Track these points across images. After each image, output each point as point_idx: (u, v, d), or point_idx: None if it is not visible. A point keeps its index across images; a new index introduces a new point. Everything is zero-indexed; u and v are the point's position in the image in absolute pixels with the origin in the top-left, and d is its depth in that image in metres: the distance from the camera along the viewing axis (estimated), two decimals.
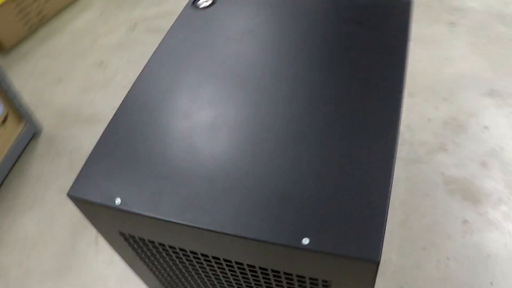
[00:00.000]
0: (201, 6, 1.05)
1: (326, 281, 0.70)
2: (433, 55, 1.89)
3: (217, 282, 0.87)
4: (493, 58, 1.85)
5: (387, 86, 0.81)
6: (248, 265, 0.73)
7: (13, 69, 2.05)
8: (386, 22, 0.94)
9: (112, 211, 0.72)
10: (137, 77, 0.90)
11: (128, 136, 0.79)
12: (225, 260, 0.74)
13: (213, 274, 0.83)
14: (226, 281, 0.84)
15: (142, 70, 0.91)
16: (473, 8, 2.13)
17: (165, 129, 0.80)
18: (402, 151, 1.52)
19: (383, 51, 0.88)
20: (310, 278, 0.71)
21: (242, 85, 0.85)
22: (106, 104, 1.81)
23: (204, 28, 0.99)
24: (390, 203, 0.66)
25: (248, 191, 0.69)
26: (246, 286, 0.82)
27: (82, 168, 0.76)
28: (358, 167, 0.70)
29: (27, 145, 1.64)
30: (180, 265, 0.84)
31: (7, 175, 1.55)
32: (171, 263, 0.85)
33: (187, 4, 1.06)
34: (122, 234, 0.79)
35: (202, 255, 0.76)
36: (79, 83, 1.92)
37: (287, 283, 0.75)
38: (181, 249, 0.77)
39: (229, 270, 0.78)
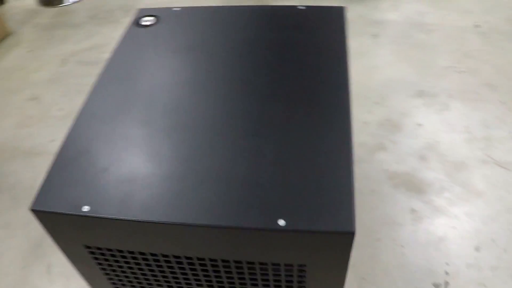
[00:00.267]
0: (144, 24, 1.07)
1: (302, 265, 0.72)
2: (361, 65, 2.00)
3: None
4: (416, 63, 1.99)
5: (333, 78, 0.86)
6: (223, 261, 0.74)
7: None
8: (324, 26, 1.00)
9: (80, 220, 0.71)
10: (90, 92, 0.90)
11: (88, 147, 0.79)
12: (198, 259, 0.75)
13: (184, 280, 0.83)
14: (198, 286, 0.84)
15: (94, 85, 0.92)
16: (393, 20, 2.28)
17: (123, 136, 0.80)
18: None
19: (326, 49, 0.93)
20: (285, 265, 0.72)
21: (194, 91, 0.88)
22: (44, 137, 1.77)
23: (148, 44, 1.01)
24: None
25: (215, 183, 0.71)
26: None
27: (44, 182, 0.75)
28: (319, 151, 0.74)
29: None
30: (149, 275, 0.83)
31: None
32: (139, 274, 0.84)
33: (131, 23, 1.07)
34: (87, 247, 0.78)
35: (175, 257, 0.76)
36: (14, 118, 1.86)
37: (262, 275, 0.76)
38: (152, 255, 0.76)
39: (202, 271, 0.78)
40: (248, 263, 0.74)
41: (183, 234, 0.69)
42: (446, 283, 1.16)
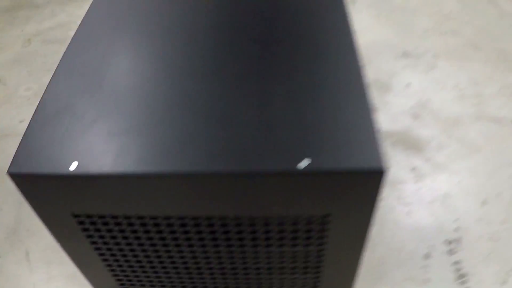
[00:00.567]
0: None
1: (325, 216, 0.64)
2: None
3: (193, 263, 0.78)
4: (397, 26, 1.93)
5: (334, 20, 0.78)
6: (235, 218, 0.65)
7: None
8: None
9: (68, 182, 0.61)
10: (66, 49, 0.79)
11: (70, 101, 0.69)
12: (207, 218, 0.66)
13: (189, 248, 0.74)
14: (204, 256, 0.76)
15: (70, 42, 0.81)
16: None
17: (111, 87, 0.71)
18: None
19: (323, 10, 0.85)
20: (307, 218, 0.65)
21: (189, 36, 0.78)
22: (12, 118, 1.64)
23: None
24: None
25: (223, 127, 0.63)
26: (228, 257, 0.74)
27: (22, 142, 0.65)
28: (331, 88, 0.66)
29: None
30: (147, 246, 0.74)
31: None
32: (136, 245, 0.74)
33: None
34: (76, 216, 0.68)
35: (179, 219, 0.67)
36: None
37: (278, 232, 0.68)
38: (152, 218, 0.67)
39: (210, 233, 0.69)
40: (265, 219, 0.65)
41: (190, 188, 0.60)
42: (458, 239, 1.11)
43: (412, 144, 1.39)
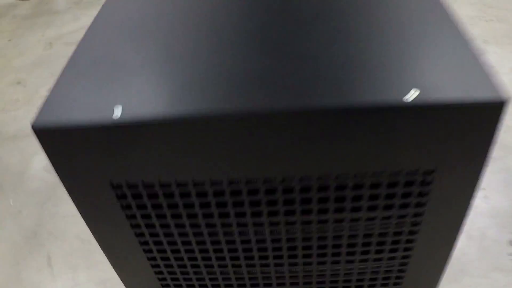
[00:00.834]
0: None
1: (429, 172, 0.49)
2: None
3: (258, 248, 0.62)
4: None
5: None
6: (318, 178, 0.51)
7: None
8: None
9: (109, 135, 0.47)
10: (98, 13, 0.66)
11: (109, 51, 0.56)
12: (282, 180, 0.51)
13: (254, 228, 0.59)
14: (273, 234, 0.61)
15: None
16: None
17: (156, 35, 0.57)
18: None
19: None
20: (407, 175, 0.49)
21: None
22: (31, 119, 1.52)
23: None
24: None
25: (308, 62, 0.48)
26: (301, 230, 0.59)
27: (51, 92, 0.51)
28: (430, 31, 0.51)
29: None
30: (202, 227, 0.59)
31: None
32: (188, 226, 0.59)
33: None
34: (116, 187, 0.53)
35: (248, 183, 0.52)
36: None
37: (370, 197, 0.53)
38: (213, 184, 0.52)
39: (284, 203, 0.54)
40: (355, 181, 0.50)
41: (266, 136, 0.45)
42: None
43: None
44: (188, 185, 0.53)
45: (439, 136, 0.46)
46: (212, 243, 0.61)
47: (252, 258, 0.62)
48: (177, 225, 0.59)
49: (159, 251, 0.64)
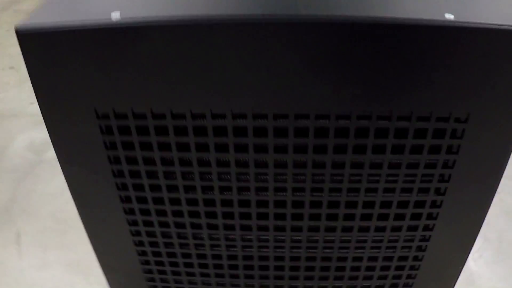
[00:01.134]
0: None
1: (461, 121, 0.42)
2: None
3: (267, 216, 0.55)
4: None
5: None
6: (336, 121, 0.44)
7: None
8: None
9: (102, 39, 0.40)
10: None
11: None
12: (299, 116, 0.44)
13: (256, 165, 0.51)
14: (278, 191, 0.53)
15: None
16: None
17: None
18: None
19: None
20: (438, 121, 0.43)
21: None
22: (21, 101, 1.46)
23: None
24: None
25: None
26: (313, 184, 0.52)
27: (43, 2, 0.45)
28: None
29: None
30: (197, 176, 0.51)
31: None
32: (179, 174, 0.51)
33: None
34: (101, 118, 0.46)
35: (255, 118, 0.45)
36: None
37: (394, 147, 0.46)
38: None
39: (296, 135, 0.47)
40: (380, 123, 0.44)
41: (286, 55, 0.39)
42: None
43: None
44: (185, 118, 0.45)
45: (476, 75, 0.39)
46: (205, 203, 0.54)
47: (249, 216, 0.54)
48: (166, 174, 0.51)
49: (142, 211, 0.56)
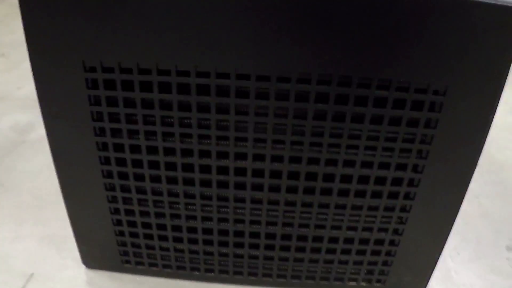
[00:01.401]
0: None
1: (439, 94, 0.43)
2: None
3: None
4: None
5: None
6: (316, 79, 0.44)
7: None
8: None
9: None
10: None
11: None
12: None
13: (236, 126, 0.51)
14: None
15: None
16: None
17: None
18: None
19: None
20: (417, 92, 0.44)
21: None
22: (9, 85, 1.46)
23: None
24: None
25: None
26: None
27: None
28: None
29: None
30: (177, 139, 0.52)
31: None
32: (160, 134, 0.51)
33: None
34: (89, 71, 0.46)
35: (239, 77, 0.45)
36: None
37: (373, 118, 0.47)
38: (198, 75, 0.45)
39: (277, 98, 0.48)
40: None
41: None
42: None
43: None
44: (170, 74, 0.46)
45: (453, 48, 0.40)
46: (184, 168, 0.54)
47: (226, 185, 0.54)
48: (147, 135, 0.51)
49: (120, 175, 0.56)
